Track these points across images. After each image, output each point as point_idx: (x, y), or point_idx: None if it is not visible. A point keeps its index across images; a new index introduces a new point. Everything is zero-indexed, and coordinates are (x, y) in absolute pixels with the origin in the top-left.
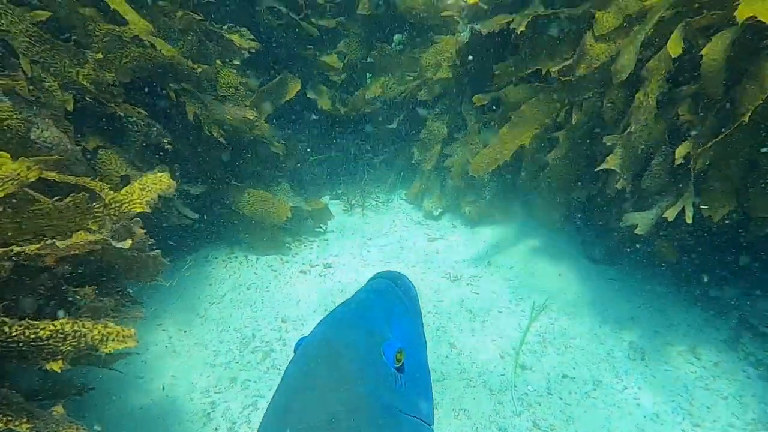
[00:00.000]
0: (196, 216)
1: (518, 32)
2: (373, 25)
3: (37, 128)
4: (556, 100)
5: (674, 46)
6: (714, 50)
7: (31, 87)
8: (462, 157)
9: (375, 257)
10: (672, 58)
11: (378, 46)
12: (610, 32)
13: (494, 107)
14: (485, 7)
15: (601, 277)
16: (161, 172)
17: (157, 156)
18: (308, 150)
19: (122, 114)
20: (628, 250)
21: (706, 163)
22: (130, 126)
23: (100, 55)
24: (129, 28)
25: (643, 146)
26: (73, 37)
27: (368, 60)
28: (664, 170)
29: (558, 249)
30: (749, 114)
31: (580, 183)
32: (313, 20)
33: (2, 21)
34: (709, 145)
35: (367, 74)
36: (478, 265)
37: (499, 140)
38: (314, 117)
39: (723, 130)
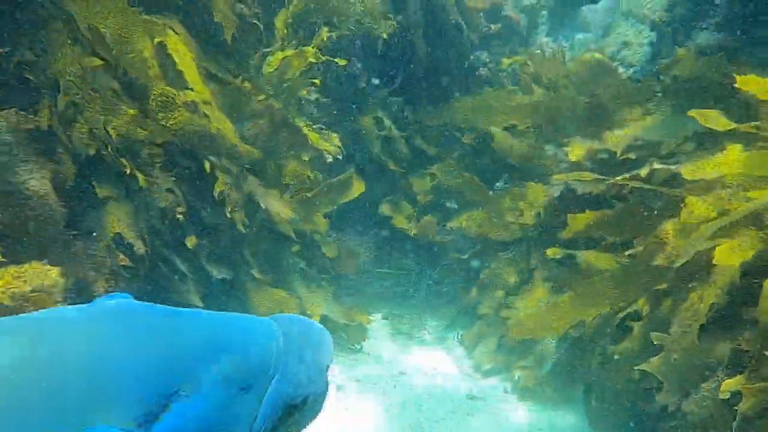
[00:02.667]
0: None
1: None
2: (472, 157)
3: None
4: (638, 283)
5: (724, 254)
6: None
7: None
8: (520, 312)
9: (397, 397)
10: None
11: (467, 176)
12: (697, 223)
13: (568, 264)
14: (587, 164)
15: None
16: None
17: (172, 223)
18: (371, 260)
19: (129, 174)
20: None
21: (758, 409)
22: (147, 185)
23: (133, 111)
24: (185, 93)
25: (676, 356)
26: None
27: (457, 189)
28: (713, 399)
29: None
30: None
31: (653, 389)
32: (415, 141)
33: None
34: (760, 386)
35: (448, 203)
36: None
37: (556, 308)
38: (383, 230)
39: None
